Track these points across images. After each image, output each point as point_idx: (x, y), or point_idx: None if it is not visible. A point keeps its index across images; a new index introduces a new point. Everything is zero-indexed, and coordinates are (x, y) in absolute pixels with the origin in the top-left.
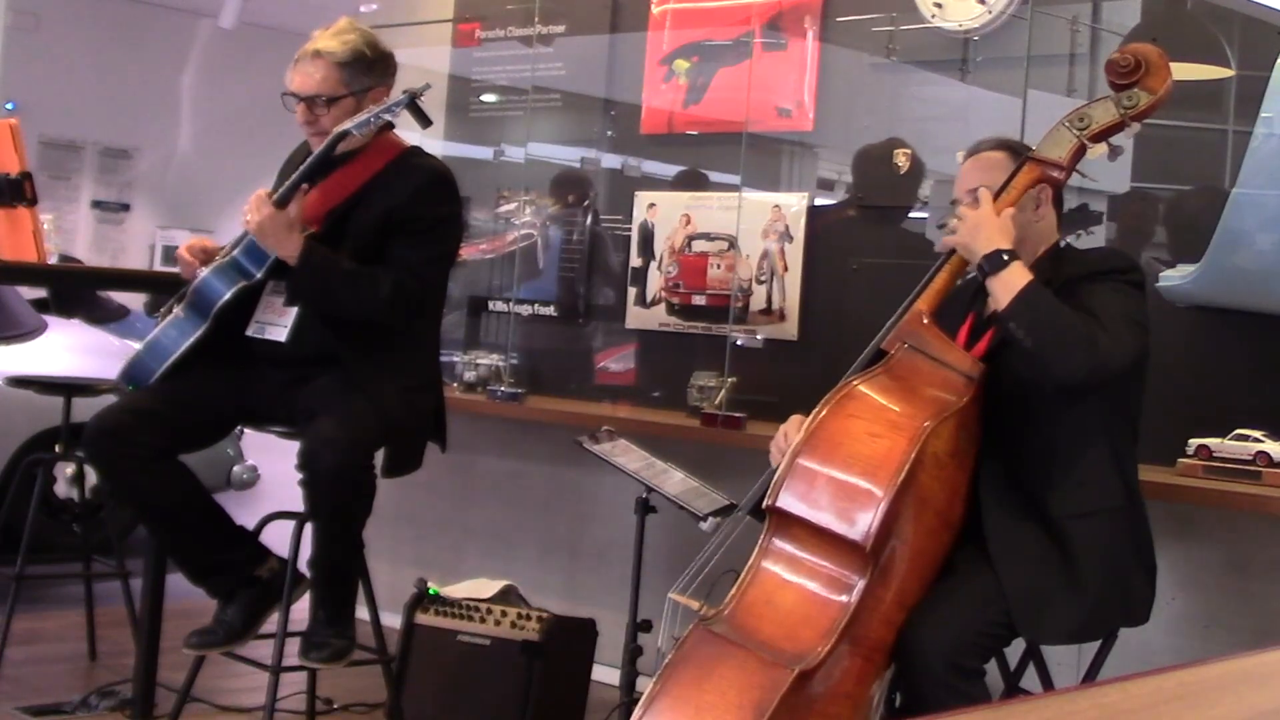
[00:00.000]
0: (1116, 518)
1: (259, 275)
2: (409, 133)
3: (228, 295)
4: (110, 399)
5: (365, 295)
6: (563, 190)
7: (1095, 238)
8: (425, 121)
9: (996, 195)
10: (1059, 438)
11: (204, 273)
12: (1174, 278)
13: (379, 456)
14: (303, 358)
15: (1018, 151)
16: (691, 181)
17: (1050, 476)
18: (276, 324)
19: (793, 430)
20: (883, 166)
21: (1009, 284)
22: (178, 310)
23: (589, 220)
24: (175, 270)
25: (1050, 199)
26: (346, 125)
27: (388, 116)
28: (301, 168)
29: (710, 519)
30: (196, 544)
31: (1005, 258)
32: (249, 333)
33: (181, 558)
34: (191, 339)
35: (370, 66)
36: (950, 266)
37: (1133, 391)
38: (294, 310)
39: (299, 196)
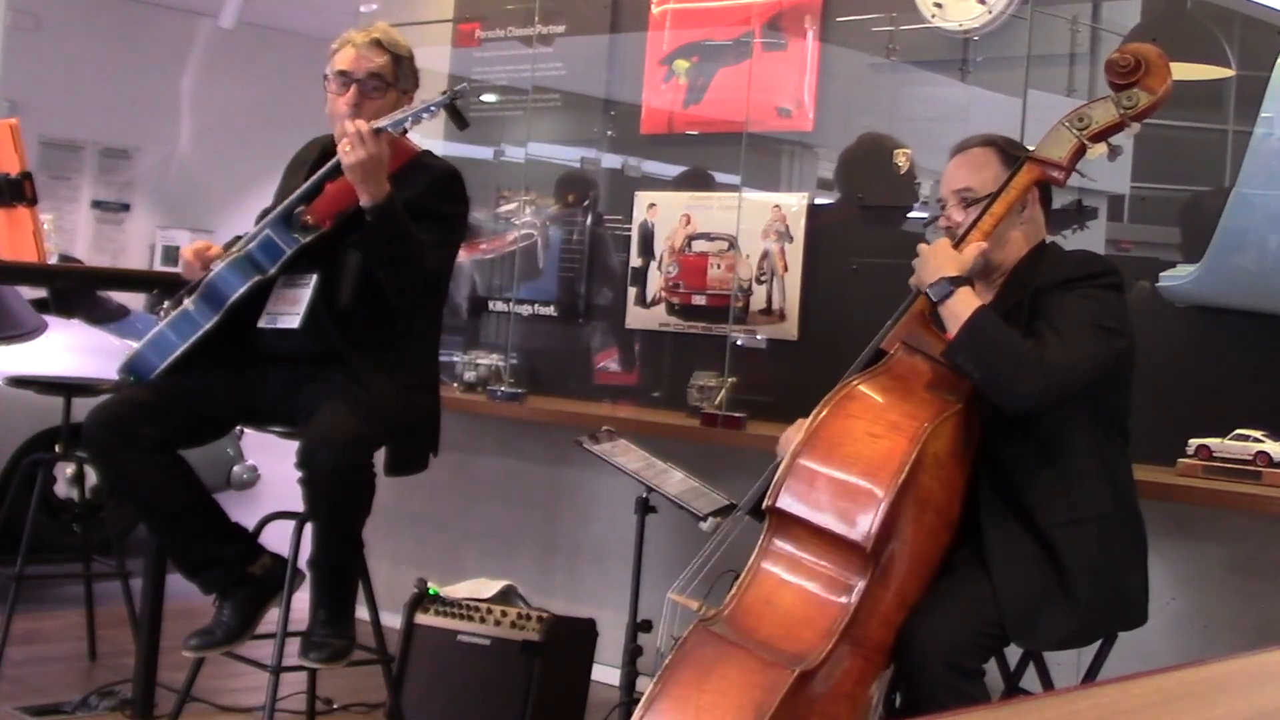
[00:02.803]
0: (1105, 524)
1: (273, 270)
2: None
3: (243, 289)
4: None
5: (417, 258)
6: (563, 190)
7: (1091, 234)
8: (463, 123)
9: (996, 195)
10: (1043, 447)
11: (218, 266)
12: (1174, 278)
13: (381, 456)
14: (306, 355)
15: (1004, 148)
16: (696, 180)
17: (1036, 485)
18: (289, 313)
19: (795, 434)
20: (868, 165)
21: (956, 314)
22: (188, 303)
23: (589, 220)
24: (175, 270)
25: (1038, 199)
26: (383, 122)
27: (425, 116)
28: (332, 162)
29: (710, 519)
30: (191, 539)
31: (950, 286)
32: (261, 323)
33: (175, 552)
34: (200, 332)
35: (413, 70)
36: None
37: (1117, 396)
38: (306, 299)
39: (385, 139)
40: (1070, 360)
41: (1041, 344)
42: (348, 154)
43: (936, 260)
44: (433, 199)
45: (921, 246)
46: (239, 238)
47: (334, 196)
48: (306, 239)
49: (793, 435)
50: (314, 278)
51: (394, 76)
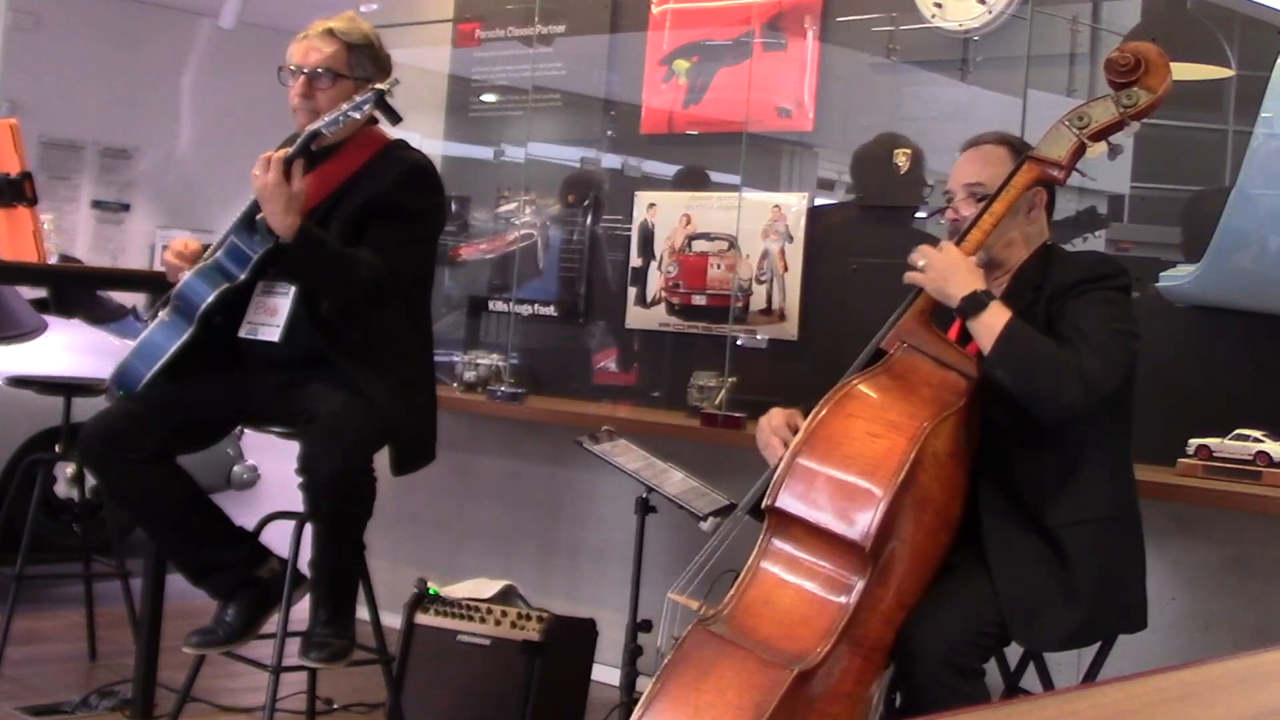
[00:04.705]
0: (1111, 526)
1: (242, 276)
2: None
3: (211, 298)
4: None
5: (349, 278)
6: (564, 190)
7: (1100, 241)
8: (395, 118)
9: (996, 194)
10: (1052, 447)
11: (187, 276)
12: (1174, 278)
13: (383, 456)
14: (295, 359)
15: (1017, 148)
16: (692, 179)
17: (1043, 485)
18: (269, 324)
19: (777, 421)
20: (883, 166)
21: (990, 326)
22: (163, 314)
23: (589, 220)
24: None
25: (1044, 203)
26: (317, 125)
27: (355, 114)
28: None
29: (710, 519)
30: (194, 545)
31: (984, 298)
32: (241, 334)
33: (180, 559)
34: (178, 343)
35: (375, 57)
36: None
37: (1125, 395)
38: (286, 310)
39: (298, 173)
40: (1106, 366)
41: (1074, 351)
42: (256, 177)
43: (959, 273)
44: (399, 195)
45: (927, 250)
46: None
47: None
48: (274, 241)
49: (776, 423)
50: (293, 287)
51: (347, 67)
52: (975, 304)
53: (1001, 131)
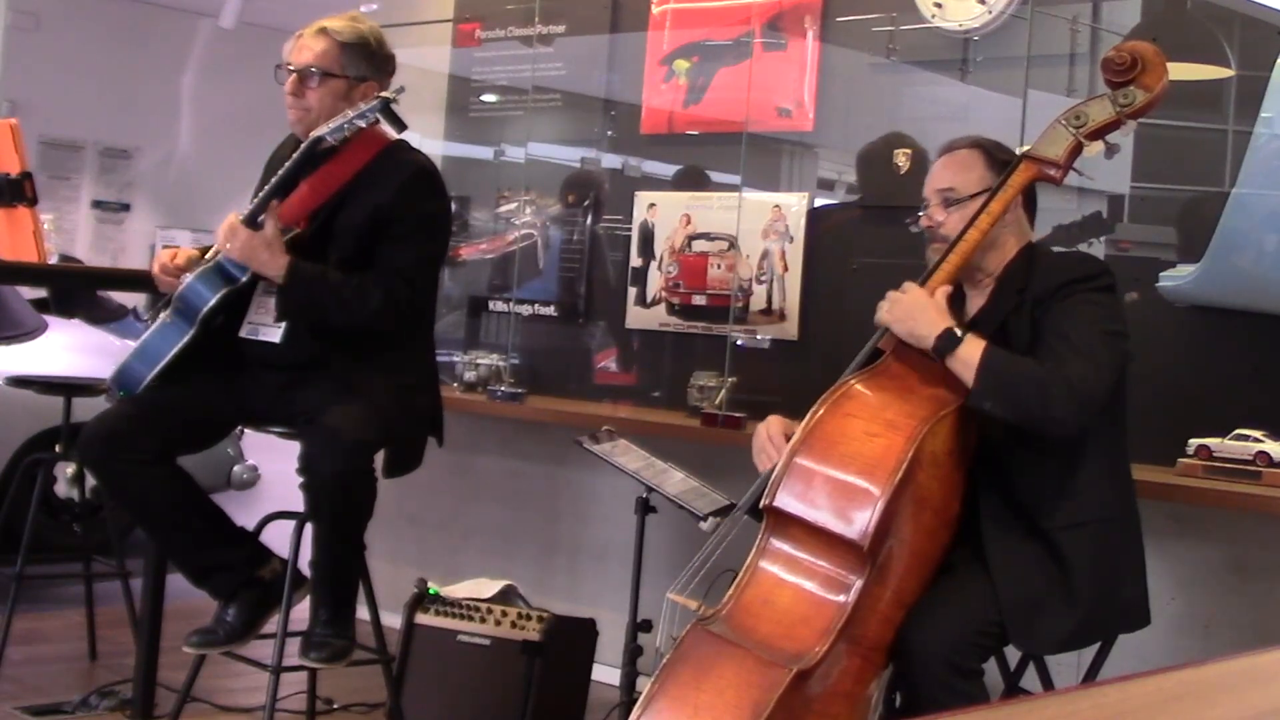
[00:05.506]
0: (1109, 527)
1: (244, 279)
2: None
3: (214, 301)
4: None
5: (355, 308)
6: (564, 190)
7: (1101, 242)
8: (400, 125)
9: (993, 194)
10: (1051, 451)
11: (189, 278)
12: (1174, 278)
13: (379, 458)
14: (296, 360)
15: (990, 151)
16: (692, 179)
17: (1042, 490)
18: (270, 325)
19: (775, 430)
20: (885, 165)
21: (968, 361)
22: (165, 316)
23: (589, 220)
24: None
25: (1021, 201)
26: (321, 131)
27: (361, 123)
28: (275, 177)
29: (710, 519)
30: (195, 546)
31: (958, 334)
32: (242, 334)
33: (181, 560)
34: (179, 345)
35: (371, 56)
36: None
37: (1120, 395)
38: None
39: (271, 212)
40: (1094, 372)
41: (1060, 362)
42: (228, 250)
43: (928, 314)
44: (406, 202)
45: (892, 294)
46: None
47: (302, 197)
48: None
49: (774, 432)
50: None
51: (338, 65)
52: (950, 341)
53: (975, 135)
